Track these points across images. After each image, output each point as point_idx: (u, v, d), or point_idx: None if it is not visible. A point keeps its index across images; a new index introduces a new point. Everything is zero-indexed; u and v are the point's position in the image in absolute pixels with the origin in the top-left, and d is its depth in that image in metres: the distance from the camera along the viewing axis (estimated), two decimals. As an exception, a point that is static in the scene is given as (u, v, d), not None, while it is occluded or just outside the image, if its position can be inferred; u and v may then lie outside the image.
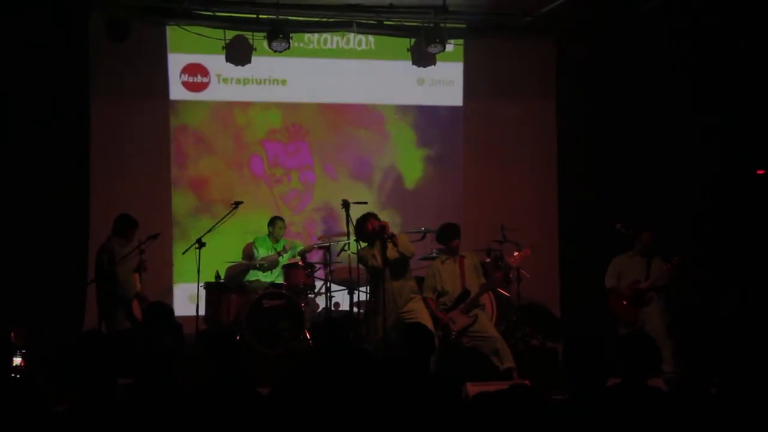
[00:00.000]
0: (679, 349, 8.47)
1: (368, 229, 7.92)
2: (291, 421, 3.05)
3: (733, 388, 3.79)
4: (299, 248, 9.91)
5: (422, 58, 10.30)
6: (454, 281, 8.29)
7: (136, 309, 8.31)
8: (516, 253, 8.53)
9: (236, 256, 9.98)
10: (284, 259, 9.75)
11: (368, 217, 7.99)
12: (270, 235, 9.79)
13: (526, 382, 7.47)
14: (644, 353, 3.98)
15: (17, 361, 7.63)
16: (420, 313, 7.95)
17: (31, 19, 9.50)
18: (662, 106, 10.19)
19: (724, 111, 9.66)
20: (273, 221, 9.81)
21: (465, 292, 8.20)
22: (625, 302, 8.85)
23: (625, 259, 8.96)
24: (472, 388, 6.24)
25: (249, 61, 10.01)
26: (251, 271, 9.80)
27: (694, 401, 3.78)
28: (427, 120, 11.05)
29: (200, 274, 8.66)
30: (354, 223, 8.07)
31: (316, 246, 9.88)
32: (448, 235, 8.35)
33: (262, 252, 9.73)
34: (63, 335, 8.72)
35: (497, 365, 8.06)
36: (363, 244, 8.06)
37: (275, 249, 9.69)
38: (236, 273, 9.84)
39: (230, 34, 10.01)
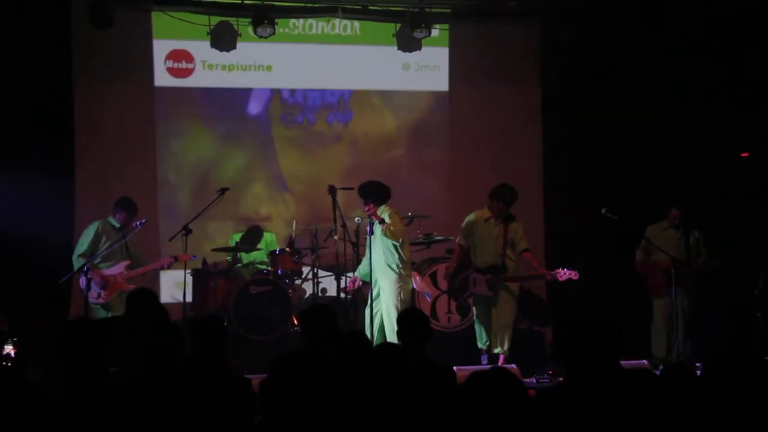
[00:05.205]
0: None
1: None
2: (283, 407, 3.06)
3: (716, 370, 3.83)
4: (274, 245, 9.88)
5: (408, 43, 10.29)
6: (490, 245, 8.40)
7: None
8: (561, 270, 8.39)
9: (224, 243, 9.97)
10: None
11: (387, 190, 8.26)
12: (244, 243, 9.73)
13: (514, 366, 7.54)
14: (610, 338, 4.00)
15: (8, 349, 7.60)
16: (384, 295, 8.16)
17: (11, 3, 9.42)
18: (647, 90, 10.24)
19: (710, 94, 9.74)
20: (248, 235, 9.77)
21: (501, 266, 8.33)
22: (660, 275, 8.51)
23: (657, 231, 8.70)
24: (460, 373, 6.25)
25: (234, 47, 9.98)
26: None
27: (679, 381, 3.81)
28: (412, 105, 11.06)
29: (187, 262, 8.66)
30: (340, 208, 8.24)
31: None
32: (506, 195, 8.42)
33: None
34: (49, 322, 8.69)
35: (489, 342, 8.23)
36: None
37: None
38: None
39: (215, 19, 9.96)
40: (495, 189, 8.43)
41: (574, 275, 8.21)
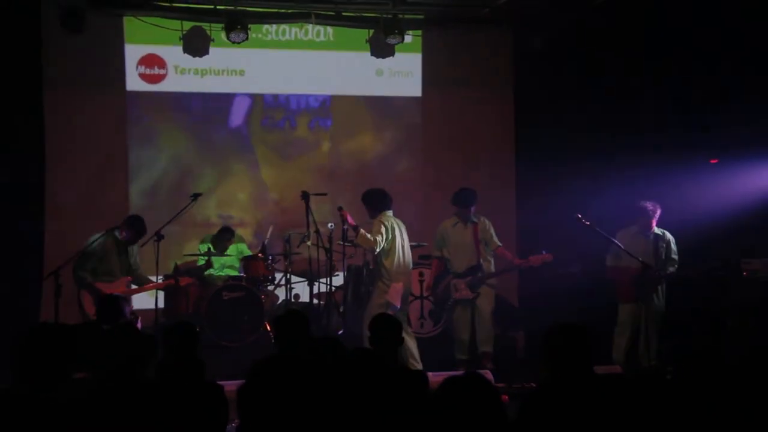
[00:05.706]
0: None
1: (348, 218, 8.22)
2: (260, 412, 3.05)
3: (686, 375, 3.86)
4: (246, 252, 9.84)
5: (381, 49, 10.30)
6: (463, 248, 8.42)
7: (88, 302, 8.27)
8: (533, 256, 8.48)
9: (195, 249, 9.93)
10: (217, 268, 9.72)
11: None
12: (214, 245, 9.72)
13: (488, 371, 7.55)
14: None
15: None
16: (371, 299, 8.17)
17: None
18: (617, 96, 10.32)
19: (680, 100, 9.82)
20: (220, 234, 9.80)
21: (477, 266, 8.37)
22: (630, 280, 8.30)
23: (627, 236, 8.48)
24: (434, 378, 6.24)
25: (207, 52, 9.95)
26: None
27: (649, 385, 3.84)
28: (386, 111, 11.07)
29: (159, 266, 8.60)
30: (313, 214, 8.21)
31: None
32: (461, 199, 8.55)
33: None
34: (17, 330, 8.58)
35: (474, 347, 8.35)
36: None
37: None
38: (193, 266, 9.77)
39: (187, 25, 9.93)
40: (453, 195, 8.65)
41: (548, 257, 8.32)
